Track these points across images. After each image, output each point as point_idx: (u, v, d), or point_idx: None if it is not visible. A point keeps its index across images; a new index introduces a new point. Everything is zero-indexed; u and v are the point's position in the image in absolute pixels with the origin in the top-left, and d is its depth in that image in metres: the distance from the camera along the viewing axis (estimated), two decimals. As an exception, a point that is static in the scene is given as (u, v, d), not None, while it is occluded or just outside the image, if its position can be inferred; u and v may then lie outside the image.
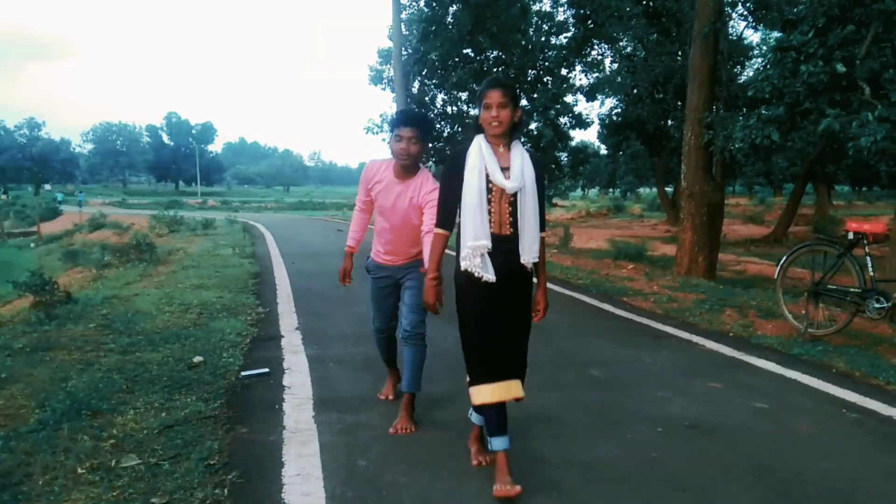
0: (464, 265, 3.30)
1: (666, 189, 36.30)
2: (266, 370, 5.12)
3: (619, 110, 29.16)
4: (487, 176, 3.22)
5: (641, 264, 13.27)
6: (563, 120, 28.70)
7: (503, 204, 3.24)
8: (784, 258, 6.92)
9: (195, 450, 3.61)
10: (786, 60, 8.84)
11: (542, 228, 3.36)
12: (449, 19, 21.11)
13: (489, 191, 3.24)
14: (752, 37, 26.12)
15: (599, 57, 25.70)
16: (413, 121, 3.97)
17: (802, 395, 4.75)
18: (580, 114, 28.43)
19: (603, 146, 42.80)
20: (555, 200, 51.54)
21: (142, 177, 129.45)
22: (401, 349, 4.28)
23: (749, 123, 9.64)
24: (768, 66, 9.34)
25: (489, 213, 3.24)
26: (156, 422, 4.03)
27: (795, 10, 9.12)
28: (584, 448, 3.73)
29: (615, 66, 26.83)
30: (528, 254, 3.28)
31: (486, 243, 3.24)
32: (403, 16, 24.02)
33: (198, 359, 5.38)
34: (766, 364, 5.52)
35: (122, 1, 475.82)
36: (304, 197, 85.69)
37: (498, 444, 3.30)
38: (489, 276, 3.28)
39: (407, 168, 4.01)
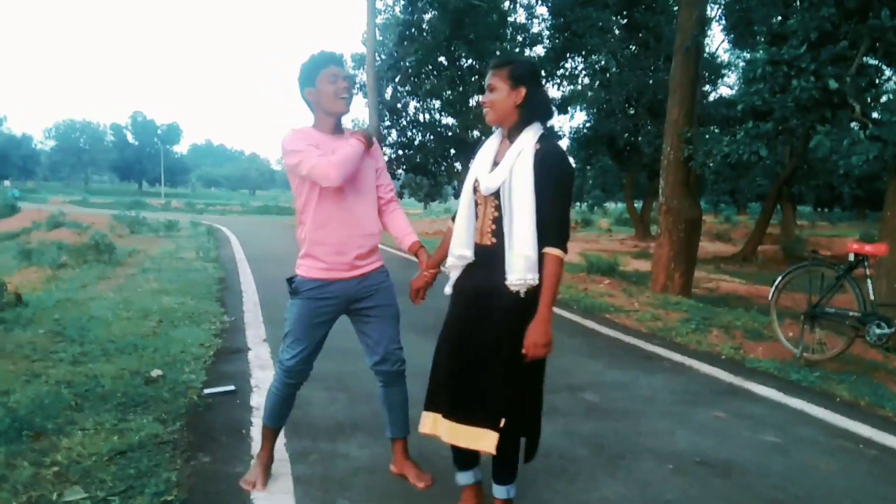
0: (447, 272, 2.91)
1: (634, 204, 36.22)
2: (231, 388, 4.67)
3: (591, 124, 28.99)
4: None
5: (615, 279, 12.98)
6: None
7: (488, 207, 2.73)
8: (779, 278, 6.63)
9: (150, 482, 3.16)
10: (777, 75, 8.60)
11: (554, 242, 2.58)
12: (425, 25, 20.76)
13: (475, 191, 2.79)
14: (723, 55, 26.02)
15: (574, 70, 25.58)
16: (339, 59, 3.17)
17: (813, 427, 4.42)
18: (552, 127, 28.17)
19: (571, 160, 42.69)
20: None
21: (104, 176, 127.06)
22: (371, 392, 3.67)
23: (737, 139, 9.40)
24: (756, 81, 9.10)
25: (476, 217, 2.78)
26: (106, 446, 3.57)
27: (787, 23, 8.90)
28: (589, 488, 3.33)
29: (587, 80, 26.69)
30: (514, 272, 2.58)
31: (465, 253, 2.76)
32: (378, 20, 23.66)
33: (156, 372, 4.91)
34: (767, 391, 5.19)
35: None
36: (270, 201, 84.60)
37: (462, 478, 2.90)
38: (447, 288, 2.88)
39: (340, 122, 3.21)
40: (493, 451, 2.64)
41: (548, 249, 2.58)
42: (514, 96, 2.68)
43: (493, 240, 2.70)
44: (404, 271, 3.16)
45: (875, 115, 8.28)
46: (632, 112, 24.69)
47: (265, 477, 3.24)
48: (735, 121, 23.80)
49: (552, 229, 2.59)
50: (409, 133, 28.49)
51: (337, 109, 3.11)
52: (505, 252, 2.63)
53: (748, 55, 20.01)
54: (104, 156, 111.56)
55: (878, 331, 5.79)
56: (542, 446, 2.86)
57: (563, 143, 29.44)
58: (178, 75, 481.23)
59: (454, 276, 2.86)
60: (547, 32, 24.13)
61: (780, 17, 11.20)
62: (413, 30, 21.08)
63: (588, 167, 42.56)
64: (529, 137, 2.67)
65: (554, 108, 2.85)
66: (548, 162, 2.61)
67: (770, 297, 6.71)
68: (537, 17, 25.81)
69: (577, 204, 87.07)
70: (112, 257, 11.80)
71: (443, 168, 29.20)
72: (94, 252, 11.94)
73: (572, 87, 26.06)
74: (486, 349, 2.69)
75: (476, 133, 26.84)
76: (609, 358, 6.15)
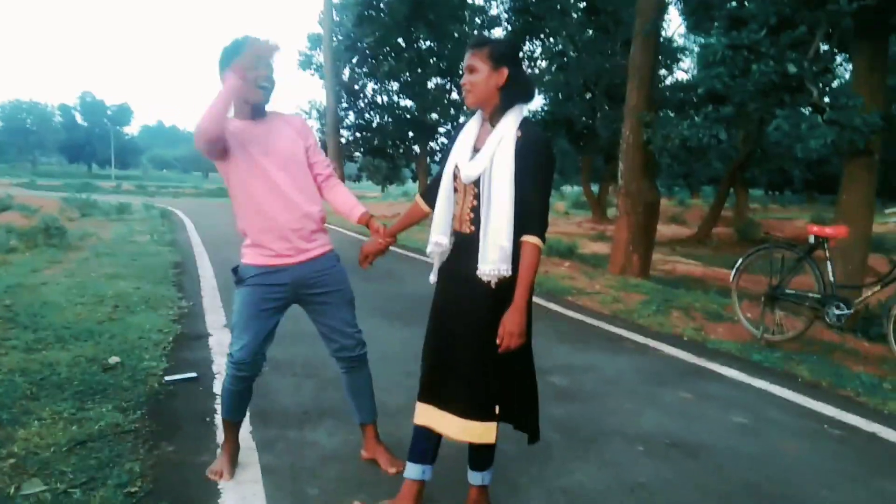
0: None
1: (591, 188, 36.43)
2: (193, 375, 4.55)
3: (548, 108, 28.98)
4: None
5: (574, 262, 13.05)
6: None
7: (467, 195, 2.64)
8: (740, 261, 6.69)
9: (112, 473, 3.06)
10: (737, 59, 8.66)
11: (533, 231, 2.50)
12: (383, 5, 20.54)
13: (455, 178, 2.70)
14: (679, 40, 26.18)
15: (532, 53, 25.54)
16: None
17: (778, 408, 4.46)
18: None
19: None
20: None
21: (52, 158, 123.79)
22: (333, 378, 3.60)
23: (696, 122, 9.46)
24: (716, 65, 9.15)
25: (455, 203, 2.71)
26: (65, 436, 3.44)
27: (747, 7, 8.95)
28: (563, 472, 3.30)
29: (544, 63, 26.68)
30: (486, 262, 2.51)
31: (442, 240, 2.70)
32: (335, 0, 23.36)
33: (114, 359, 4.76)
34: (731, 372, 5.24)
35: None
36: (224, 184, 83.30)
37: (410, 471, 2.80)
38: (431, 276, 2.83)
39: (260, 108, 3.04)
40: (493, 440, 2.62)
41: (526, 238, 2.51)
42: (495, 77, 2.57)
43: (472, 227, 2.62)
44: (355, 251, 3.08)
45: (826, 99, 8.38)
46: (589, 96, 24.77)
47: (231, 467, 3.15)
48: (691, 105, 24.05)
49: (532, 218, 2.52)
50: (367, 115, 28.26)
51: (254, 98, 2.97)
52: (479, 241, 2.56)
53: (704, 40, 20.20)
54: (52, 137, 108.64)
55: (836, 312, 5.87)
56: (513, 432, 2.81)
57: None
58: (128, 54, 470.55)
59: (437, 263, 2.80)
60: (505, 15, 24.09)
61: (736, 2, 11.28)
62: (371, 10, 20.81)
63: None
64: (511, 122, 2.57)
65: (533, 91, 2.76)
66: (529, 149, 2.52)
67: (731, 279, 6.76)
68: (495, 0, 25.78)
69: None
70: (63, 241, 11.47)
71: (401, 151, 29.03)
72: (45, 236, 11.58)
73: (530, 70, 26.04)
74: (465, 338, 2.62)
75: (434, 116, 26.72)
76: (574, 341, 6.15)
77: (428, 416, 2.72)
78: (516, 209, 2.50)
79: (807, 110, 8.83)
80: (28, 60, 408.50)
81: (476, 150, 2.64)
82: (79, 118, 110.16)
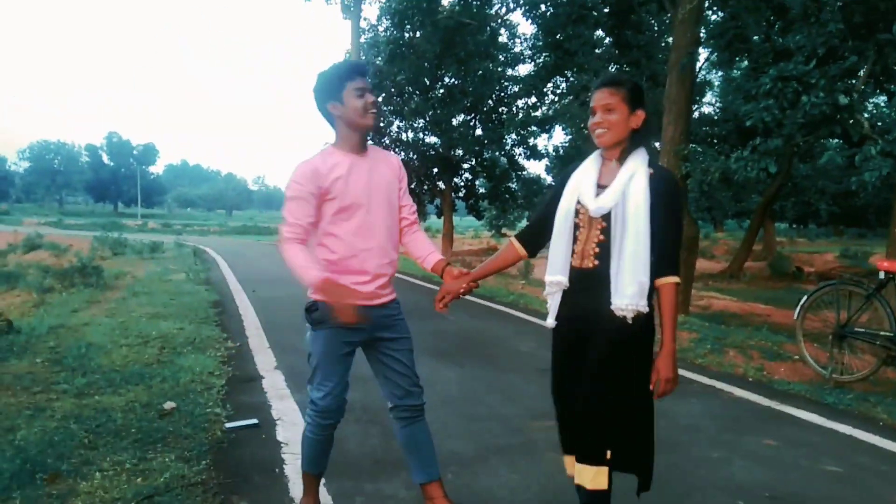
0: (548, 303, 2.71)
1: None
2: (254, 421, 4.37)
3: (573, 142, 28.87)
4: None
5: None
6: (518, 150, 28.44)
7: (592, 230, 2.55)
8: (805, 298, 6.45)
9: (185, 531, 2.88)
10: (786, 91, 8.50)
11: (672, 270, 2.47)
12: (416, 42, 20.62)
13: (577, 213, 2.60)
14: (701, 75, 26.10)
15: (556, 89, 25.56)
16: (365, 69, 2.91)
17: (867, 454, 4.21)
18: (535, 145, 28.20)
19: (549, 178, 42.53)
20: (503, 230, 51.37)
21: (79, 197, 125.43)
22: (389, 432, 3.37)
23: (744, 155, 9.27)
24: (765, 96, 8.99)
25: (575, 240, 2.60)
26: (130, 490, 3.28)
27: (795, 38, 8.80)
28: (663, 529, 3.10)
29: (569, 98, 26.66)
30: (622, 296, 2.42)
31: (560, 279, 2.59)
32: (362, 40, 23.51)
33: (169, 405, 4.61)
34: (808, 415, 4.99)
35: (64, 19, 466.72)
36: (248, 221, 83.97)
37: None
38: (549, 320, 2.67)
39: (364, 138, 2.90)
40: (605, 486, 2.49)
41: (668, 278, 2.47)
42: (633, 120, 2.55)
43: (596, 262, 2.54)
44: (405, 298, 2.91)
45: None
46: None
47: None
48: (719, 139, 23.93)
49: (668, 256, 2.48)
50: (393, 151, 28.28)
51: (366, 124, 2.82)
52: (611, 275, 2.47)
53: (733, 73, 20.06)
54: (79, 177, 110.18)
55: (912, 351, 5.62)
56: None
57: (544, 162, 29.39)
58: (154, 95, 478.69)
59: (553, 304, 2.65)
60: (529, 52, 24.12)
61: (771, 36, 11.16)
62: (403, 48, 20.89)
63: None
64: (640, 161, 2.54)
65: (654, 129, 2.72)
66: (664, 186, 2.50)
67: (795, 317, 6.52)
68: (519, 37, 25.82)
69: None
70: (100, 280, 11.42)
71: (425, 187, 29.00)
72: (81, 275, 11.55)
73: (556, 105, 26.03)
74: (606, 378, 2.50)
75: (459, 152, 26.70)
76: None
77: (569, 465, 2.69)
78: (652, 247, 2.45)
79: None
80: (55, 101, 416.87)
81: (601, 187, 2.56)
82: (105, 158, 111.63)
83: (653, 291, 2.48)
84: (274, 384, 5.32)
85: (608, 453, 2.49)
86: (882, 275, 5.90)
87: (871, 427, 4.76)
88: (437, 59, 20.66)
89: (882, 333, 5.86)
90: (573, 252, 2.59)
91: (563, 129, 27.91)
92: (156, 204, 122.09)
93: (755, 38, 12.47)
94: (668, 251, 2.48)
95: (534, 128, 25.56)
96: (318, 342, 2.86)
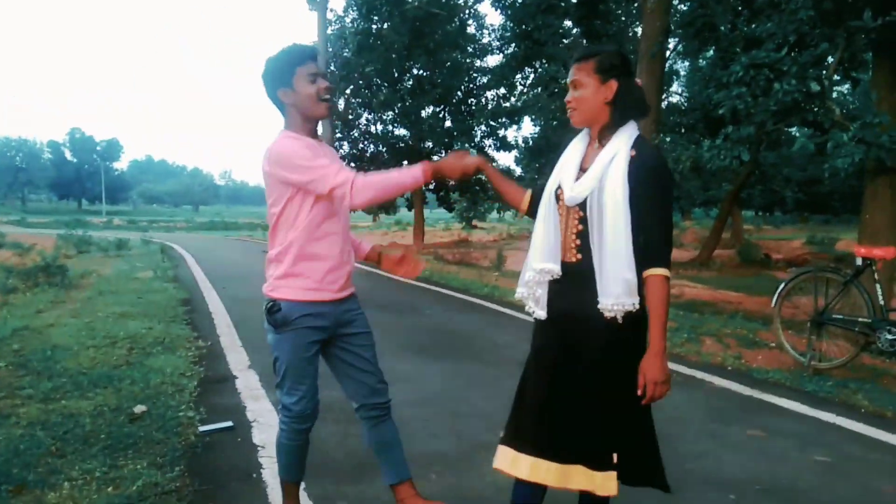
0: (518, 293, 2.53)
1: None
2: (229, 424, 4.23)
3: (542, 133, 28.80)
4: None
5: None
6: (488, 142, 28.37)
7: (570, 219, 2.36)
8: (783, 285, 6.42)
9: (160, 543, 2.75)
10: (759, 78, 8.48)
11: (659, 262, 2.23)
12: (385, 33, 20.44)
13: (557, 199, 2.42)
14: (674, 64, 26.18)
15: (527, 80, 25.47)
16: (315, 53, 2.75)
17: (854, 442, 4.19)
18: (504, 136, 28.15)
19: (519, 169, 42.29)
20: (474, 223, 51.28)
21: (42, 195, 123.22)
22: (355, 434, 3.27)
23: (717, 144, 9.26)
24: (737, 84, 8.97)
25: (559, 229, 2.40)
26: (101, 500, 3.14)
27: (765, 26, 8.79)
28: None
29: (539, 89, 26.59)
30: (608, 295, 2.24)
31: (552, 267, 2.39)
32: (329, 32, 23.25)
33: (139, 408, 4.45)
34: (790, 404, 4.96)
35: (23, 13, 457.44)
36: (216, 216, 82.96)
37: None
38: (539, 311, 2.47)
39: (316, 126, 2.78)
40: (615, 492, 2.34)
41: (653, 270, 2.23)
42: (603, 91, 2.31)
43: (578, 255, 2.35)
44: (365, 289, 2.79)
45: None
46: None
47: None
48: (687, 128, 24.01)
49: (655, 247, 2.24)
50: (361, 145, 28.06)
51: (318, 113, 2.68)
52: (595, 271, 2.28)
53: (702, 62, 20.12)
54: (41, 174, 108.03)
55: (889, 336, 5.61)
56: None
57: (513, 154, 29.22)
58: (118, 90, 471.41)
59: (542, 294, 2.46)
60: (497, 43, 24.05)
61: (743, 24, 11.14)
62: (371, 39, 20.69)
63: (537, 177, 42.57)
64: (623, 140, 2.30)
65: (648, 105, 2.49)
66: (646, 170, 2.25)
67: (773, 305, 6.49)
68: (487, 28, 25.74)
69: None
70: (64, 280, 11.11)
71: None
72: (45, 274, 11.24)
73: (525, 97, 25.95)
74: (583, 381, 2.34)
75: (429, 144, 26.56)
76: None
77: (516, 465, 2.44)
78: (633, 237, 2.23)
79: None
80: (16, 98, 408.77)
81: (583, 170, 2.37)
82: (68, 154, 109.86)
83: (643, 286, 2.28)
84: (248, 384, 5.17)
85: (615, 457, 2.35)
86: (860, 261, 5.89)
87: (854, 415, 4.75)
88: (405, 50, 20.53)
89: (860, 320, 5.85)
90: (561, 243, 2.41)
91: (532, 121, 27.89)
92: (121, 200, 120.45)
93: (723, 27, 12.50)
94: (652, 241, 2.24)
95: (503, 119, 25.52)
96: (285, 345, 2.70)
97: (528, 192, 2.68)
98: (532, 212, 2.60)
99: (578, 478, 2.35)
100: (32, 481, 3.33)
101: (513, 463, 2.45)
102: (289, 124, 2.70)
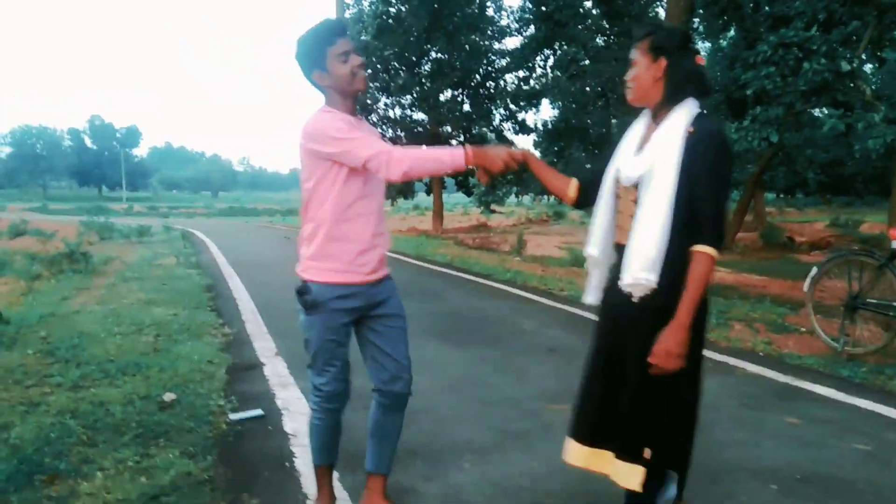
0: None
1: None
2: (259, 412, 4.20)
3: (561, 116, 28.55)
4: None
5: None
6: (507, 125, 28.16)
7: (627, 201, 2.37)
8: (815, 269, 6.31)
9: (196, 534, 2.72)
10: (788, 57, 8.33)
11: (707, 239, 2.19)
12: (404, 16, 20.27)
13: (617, 182, 2.42)
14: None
15: (546, 62, 25.21)
16: (344, 29, 2.68)
17: (894, 430, 4.10)
18: (523, 120, 27.93)
19: (537, 153, 41.78)
20: (492, 207, 51.11)
21: (63, 182, 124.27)
22: (419, 408, 3.29)
23: (744, 125, 9.12)
24: (766, 64, 8.81)
25: (618, 212, 2.41)
26: (135, 490, 3.11)
27: (796, 3, 8.63)
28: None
29: (558, 72, 26.35)
30: (631, 271, 2.24)
31: (593, 253, 2.45)
32: (347, 15, 23.12)
33: (169, 396, 4.43)
34: (826, 391, 4.87)
35: (45, 2, 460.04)
36: (234, 202, 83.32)
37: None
38: (589, 297, 2.52)
39: (356, 101, 2.74)
40: (639, 488, 2.30)
41: (698, 247, 2.19)
42: (653, 70, 2.30)
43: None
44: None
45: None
46: (602, 103, 24.36)
47: None
48: (708, 110, 23.70)
49: (706, 224, 2.20)
50: (380, 129, 27.99)
51: (356, 88, 2.62)
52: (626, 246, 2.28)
53: (723, 43, 19.84)
54: (62, 161, 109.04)
55: (926, 321, 5.51)
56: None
57: (531, 138, 28.97)
58: (137, 77, 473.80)
59: (593, 279, 2.50)
60: (516, 25, 23.82)
61: (767, 3, 10.96)
62: (390, 21, 20.54)
63: (555, 160, 42.24)
64: (679, 117, 2.27)
65: (709, 82, 2.44)
66: (703, 146, 2.21)
67: (806, 289, 6.38)
68: (505, 10, 25.49)
69: (545, 197, 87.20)
70: (88, 266, 11.16)
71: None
72: (69, 261, 11.30)
73: (542, 80, 25.71)
74: (624, 364, 2.35)
75: (448, 128, 26.41)
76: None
77: (573, 454, 2.52)
78: (684, 214, 2.19)
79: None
80: (36, 86, 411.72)
81: (641, 150, 2.36)
82: (88, 142, 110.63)
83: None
84: (276, 372, 5.15)
85: (646, 452, 2.32)
86: (895, 244, 5.77)
87: (891, 401, 4.64)
88: (424, 33, 20.33)
89: (895, 304, 5.74)
90: (617, 225, 2.41)
91: (551, 104, 27.64)
92: (140, 187, 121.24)
93: (747, 6, 12.29)
94: (702, 217, 2.19)
95: (523, 102, 25.32)
96: (315, 327, 2.68)
97: (574, 182, 2.65)
98: (580, 201, 2.60)
99: (602, 462, 2.41)
100: (65, 470, 3.32)
101: (569, 454, 2.55)
102: (329, 102, 2.67)
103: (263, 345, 6.01)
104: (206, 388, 4.65)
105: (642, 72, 2.32)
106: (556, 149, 33.00)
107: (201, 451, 3.59)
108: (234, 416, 4.11)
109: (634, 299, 2.28)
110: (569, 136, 28.28)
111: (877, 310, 5.89)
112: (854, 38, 8.58)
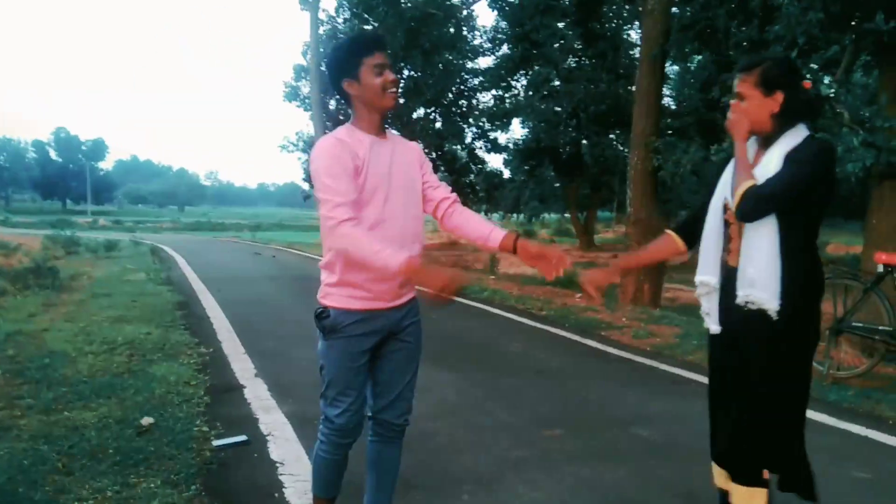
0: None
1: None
2: (244, 438, 4.02)
3: (532, 136, 28.56)
4: None
5: (573, 291, 12.66)
6: (479, 144, 28.25)
7: (737, 225, 2.41)
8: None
9: (184, 573, 2.56)
10: (768, 81, 8.38)
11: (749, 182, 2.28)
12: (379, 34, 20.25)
13: (725, 210, 2.45)
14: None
15: (519, 82, 25.29)
16: (384, 43, 2.59)
17: (891, 458, 4.05)
18: (495, 139, 28.04)
19: (507, 171, 41.42)
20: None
21: (26, 194, 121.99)
22: (423, 433, 3.24)
23: (724, 147, 9.14)
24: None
25: (730, 238, 2.44)
26: (115, 523, 2.93)
27: (775, 28, 8.67)
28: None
29: (530, 92, 26.43)
30: (747, 286, 2.33)
31: (709, 279, 2.50)
32: (321, 31, 23.03)
33: (147, 420, 4.24)
34: (816, 415, 4.79)
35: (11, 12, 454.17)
36: (202, 217, 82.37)
37: None
38: (712, 325, 2.55)
39: (384, 119, 2.60)
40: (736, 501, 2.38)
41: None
42: (769, 105, 2.32)
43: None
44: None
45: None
46: (574, 123, 24.45)
47: None
48: (676, 131, 23.96)
49: (795, 246, 2.36)
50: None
51: (385, 104, 2.52)
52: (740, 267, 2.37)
53: (692, 66, 19.97)
54: (26, 174, 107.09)
55: (912, 346, 5.50)
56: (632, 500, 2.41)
57: (501, 157, 29.04)
58: (103, 90, 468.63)
59: (711, 307, 2.53)
60: (489, 45, 23.92)
61: (736, 29, 11.03)
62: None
63: (524, 178, 42.13)
64: (787, 142, 2.31)
65: (818, 106, 2.49)
66: (797, 158, 2.25)
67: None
68: (478, 30, 25.59)
69: (515, 215, 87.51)
70: (56, 281, 10.85)
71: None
72: (35, 276, 10.97)
73: (514, 99, 25.77)
74: (737, 382, 2.43)
75: (420, 146, 26.37)
76: (634, 383, 5.72)
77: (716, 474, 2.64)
78: (787, 237, 2.30)
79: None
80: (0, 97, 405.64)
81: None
82: (53, 154, 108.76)
83: (796, 289, 2.29)
84: (257, 395, 4.97)
85: (765, 473, 2.39)
86: (881, 268, 5.77)
87: (883, 427, 4.61)
88: (401, 51, 20.31)
89: (881, 328, 5.74)
90: (729, 250, 2.45)
91: (521, 123, 27.73)
92: (106, 201, 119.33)
93: (721, 31, 12.37)
94: (794, 238, 2.31)
95: (497, 122, 25.42)
96: (333, 353, 2.56)
97: (673, 235, 2.74)
98: (690, 244, 2.69)
99: (722, 480, 2.53)
100: (41, 501, 3.13)
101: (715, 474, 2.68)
102: (355, 115, 2.57)
103: (242, 365, 5.83)
104: (186, 412, 4.47)
105: (755, 106, 2.33)
106: (526, 168, 33.10)
107: (184, 479, 3.41)
108: (217, 443, 3.93)
109: (772, 318, 2.31)
110: (540, 155, 28.36)
111: (862, 333, 5.89)
112: (832, 63, 8.65)
